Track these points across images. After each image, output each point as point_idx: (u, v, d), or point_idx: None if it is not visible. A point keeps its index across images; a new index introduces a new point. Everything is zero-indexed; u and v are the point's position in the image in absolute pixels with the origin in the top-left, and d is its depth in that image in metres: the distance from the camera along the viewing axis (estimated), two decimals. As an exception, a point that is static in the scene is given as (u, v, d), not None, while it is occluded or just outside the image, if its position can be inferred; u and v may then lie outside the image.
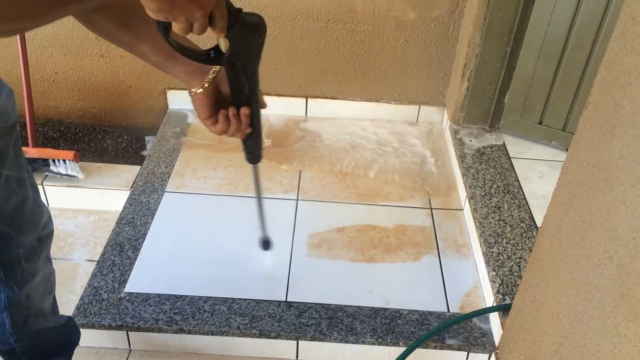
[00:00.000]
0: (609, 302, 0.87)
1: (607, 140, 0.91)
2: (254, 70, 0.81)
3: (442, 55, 2.01)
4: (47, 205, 1.08)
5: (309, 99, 2.13)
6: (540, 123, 1.93)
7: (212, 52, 0.78)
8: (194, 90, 0.84)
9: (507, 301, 1.37)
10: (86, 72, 2.08)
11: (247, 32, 0.75)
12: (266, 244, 1.40)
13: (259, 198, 1.17)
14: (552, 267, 1.09)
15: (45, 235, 1.04)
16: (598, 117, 0.95)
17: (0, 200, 0.91)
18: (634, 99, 0.84)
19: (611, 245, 0.88)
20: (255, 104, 0.85)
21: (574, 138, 1.04)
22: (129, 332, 1.37)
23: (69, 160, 1.76)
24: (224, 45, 0.76)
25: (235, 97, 0.83)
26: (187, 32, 0.67)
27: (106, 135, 2.16)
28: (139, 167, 1.86)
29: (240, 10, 0.74)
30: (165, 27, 0.68)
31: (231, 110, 0.84)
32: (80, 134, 2.16)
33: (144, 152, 2.09)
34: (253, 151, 0.94)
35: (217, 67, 0.84)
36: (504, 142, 1.95)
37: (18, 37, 1.73)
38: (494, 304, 1.39)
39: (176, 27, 0.66)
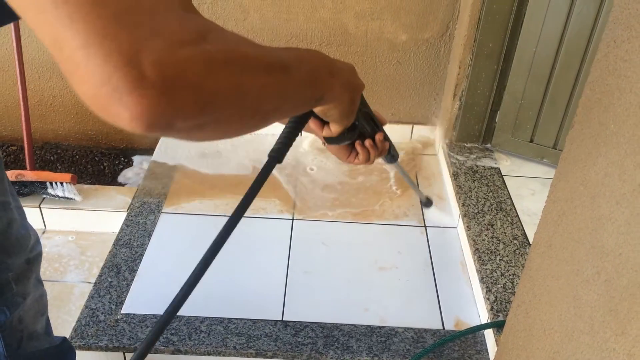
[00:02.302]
0: (598, 317, 0.89)
1: (593, 158, 0.94)
2: (369, 112, 0.87)
3: (434, 75, 2.05)
4: (34, 227, 1.09)
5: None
6: (532, 141, 1.96)
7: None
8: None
9: (501, 318, 1.39)
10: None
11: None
12: (428, 203, 1.53)
13: (407, 175, 1.22)
14: (544, 283, 1.11)
15: (33, 258, 1.05)
16: (584, 136, 0.98)
17: None
18: (617, 119, 0.87)
19: (599, 261, 0.90)
20: (381, 127, 0.91)
21: (562, 157, 1.06)
22: (125, 354, 1.38)
23: (67, 182, 1.78)
24: None
25: (366, 130, 0.87)
26: None
27: (103, 158, 2.19)
28: (136, 188, 1.88)
29: None
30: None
31: (367, 142, 0.87)
32: (77, 157, 2.18)
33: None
34: (392, 155, 1.03)
35: None
36: (496, 160, 1.98)
37: (16, 60, 1.75)
38: (488, 321, 1.41)
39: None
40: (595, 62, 0.94)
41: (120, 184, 2.01)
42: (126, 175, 2.09)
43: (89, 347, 1.36)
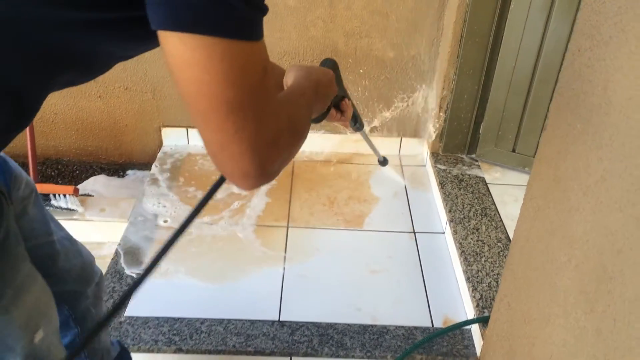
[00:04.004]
0: (570, 300, 0.97)
1: (563, 156, 1.03)
2: (341, 83, 1.13)
3: (421, 89, 2.15)
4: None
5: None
6: (514, 151, 2.06)
7: None
8: None
9: (486, 314, 1.46)
10: (84, 113, 2.19)
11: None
12: (383, 162, 1.69)
13: (367, 138, 1.47)
14: (523, 275, 1.19)
15: (99, 278, 1.11)
16: (554, 137, 1.08)
17: (64, 263, 0.98)
18: (582, 119, 0.96)
19: (569, 249, 0.98)
20: (349, 101, 1.20)
21: (536, 157, 1.16)
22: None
23: (69, 194, 1.85)
24: None
25: (337, 98, 1.15)
26: None
27: (102, 172, 2.26)
28: (135, 199, 1.96)
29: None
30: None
31: (342, 104, 1.17)
32: (77, 172, 2.25)
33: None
34: (357, 125, 1.30)
35: None
36: (481, 170, 2.07)
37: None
38: (475, 317, 1.49)
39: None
40: (563, 70, 1.04)
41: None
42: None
43: (94, 348, 1.42)
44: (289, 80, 0.90)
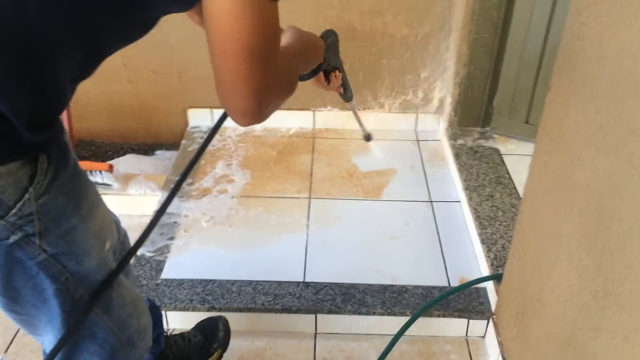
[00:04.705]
0: (574, 243, 1.05)
1: (565, 111, 1.10)
2: (337, 55, 1.26)
3: (435, 65, 2.23)
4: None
5: (315, 112, 2.34)
6: (527, 122, 2.12)
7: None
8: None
9: (501, 272, 1.54)
10: (115, 96, 2.31)
11: (328, 45, 1.20)
12: (368, 138, 1.73)
13: (355, 112, 1.58)
14: (532, 228, 1.27)
15: (124, 237, 1.17)
16: (558, 94, 1.15)
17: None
18: (581, 74, 1.04)
19: (572, 196, 1.06)
20: (342, 72, 1.31)
21: (543, 116, 1.23)
22: (167, 312, 1.55)
23: (105, 171, 1.97)
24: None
25: (329, 68, 1.26)
26: None
27: (133, 153, 2.38)
28: (166, 175, 2.07)
29: (322, 38, 1.18)
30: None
31: (331, 75, 1.28)
32: (109, 153, 2.37)
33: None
34: (346, 96, 1.41)
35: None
36: (495, 141, 2.14)
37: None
38: (489, 275, 1.57)
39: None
40: (564, 31, 1.12)
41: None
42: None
43: (134, 307, 1.53)
44: (284, 38, 1.04)
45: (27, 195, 0.78)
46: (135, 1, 0.80)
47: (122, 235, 1.15)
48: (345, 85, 1.37)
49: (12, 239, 0.80)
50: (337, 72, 1.30)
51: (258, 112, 0.78)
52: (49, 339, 0.93)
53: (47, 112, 0.82)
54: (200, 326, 1.45)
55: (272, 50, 0.77)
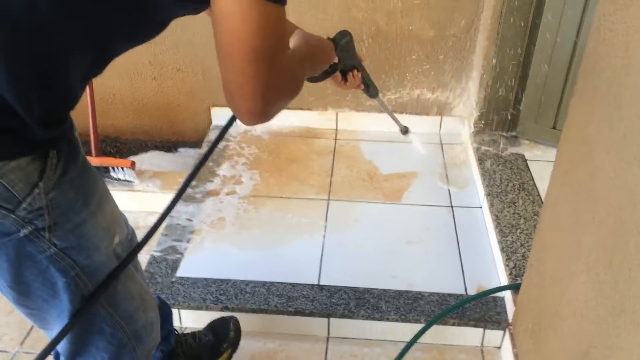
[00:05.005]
0: (592, 256, 1.01)
1: (589, 119, 1.06)
2: (353, 54, 1.27)
3: (461, 68, 2.18)
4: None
5: (339, 113, 2.33)
6: (554, 127, 2.06)
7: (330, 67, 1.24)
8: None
9: (519, 282, 1.50)
10: (140, 93, 2.33)
11: (342, 46, 1.23)
12: (405, 131, 1.73)
13: (386, 108, 1.61)
14: (552, 238, 1.23)
15: (132, 234, 1.12)
16: (582, 101, 1.11)
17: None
18: (606, 81, 1.00)
19: (593, 207, 1.02)
20: (361, 70, 1.33)
21: (566, 123, 1.19)
22: (180, 310, 1.55)
23: (127, 167, 1.99)
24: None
25: (347, 67, 1.29)
26: None
27: (156, 150, 2.40)
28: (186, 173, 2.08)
29: (335, 39, 1.21)
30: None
31: (349, 75, 1.31)
32: (134, 149, 2.40)
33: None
34: (370, 93, 1.42)
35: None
36: (520, 146, 2.09)
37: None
38: (507, 284, 1.52)
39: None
40: (590, 35, 1.07)
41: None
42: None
43: (148, 304, 1.55)
44: (292, 42, 1.06)
45: (37, 190, 0.80)
46: (146, 4, 0.80)
47: (130, 232, 1.16)
48: (367, 82, 1.38)
49: (23, 232, 0.81)
50: (355, 71, 1.31)
51: (263, 112, 0.80)
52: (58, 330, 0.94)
53: (58, 109, 0.83)
54: (212, 326, 1.45)
55: (277, 51, 0.78)
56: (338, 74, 1.28)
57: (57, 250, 0.85)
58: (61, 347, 0.96)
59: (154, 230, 1.02)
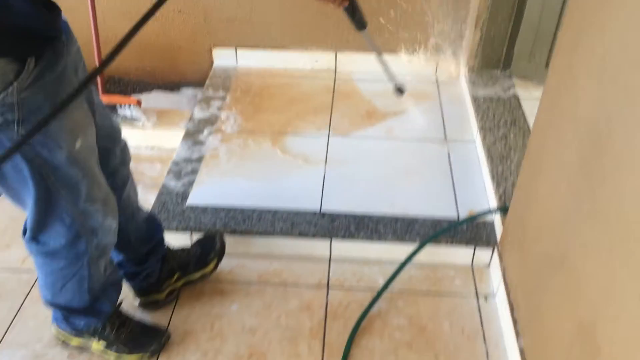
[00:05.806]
0: (574, 170, 1.11)
1: (575, 46, 1.14)
2: None
3: (458, 8, 2.23)
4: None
5: (337, 53, 2.39)
6: (547, 66, 2.14)
7: None
8: None
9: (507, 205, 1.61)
10: (142, 34, 2.33)
11: None
12: (400, 90, 1.72)
13: (379, 55, 1.58)
14: (538, 162, 1.33)
15: (124, 145, 1.33)
16: (569, 29, 1.19)
17: (99, 118, 1.19)
18: (592, 9, 1.07)
19: (575, 127, 1.12)
20: None
21: (554, 52, 1.27)
22: (192, 232, 1.66)
23: (133, 105, 2.06)
24: None
25: None
26: None
27: (159, 90, 2.47)
28: (191, 111, 2.16)
29: None
30: None
31: None
32: (138, 89, 2.46)
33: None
34: (356, 20, 1.40)
35: None
36: (514, 84, 2.17)
37: (89, 5, 2.03)
38: (495, 208, 1.64)
39: None
40: (579, -33, 1.14)
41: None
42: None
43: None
44: None
45: (10, 88, 0.92)
46: None
47: (123, 143, 1.31)
48: (354, 5, 1.36)
49: None
50: None
51: None
52: (29, 211, 1.12)
53: None
54: (199, 241, 1.60)
55: None
56: None
57: None
58: (29, 222, 1.14)
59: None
